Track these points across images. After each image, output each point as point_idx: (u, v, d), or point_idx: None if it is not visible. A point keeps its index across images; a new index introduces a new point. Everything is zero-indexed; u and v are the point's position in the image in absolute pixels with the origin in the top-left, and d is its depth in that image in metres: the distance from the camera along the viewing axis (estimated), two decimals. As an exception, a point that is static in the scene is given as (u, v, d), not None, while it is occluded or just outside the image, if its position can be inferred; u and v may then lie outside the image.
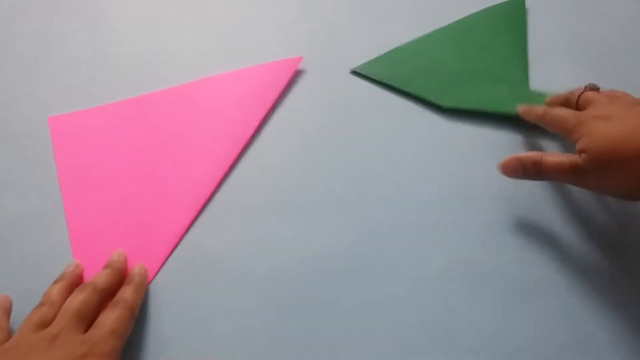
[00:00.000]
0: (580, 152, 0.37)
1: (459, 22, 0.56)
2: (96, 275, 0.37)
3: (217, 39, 0.55)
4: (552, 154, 0.39)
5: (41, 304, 0.35)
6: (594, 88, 0.42)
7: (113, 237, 0.41)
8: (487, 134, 0.47)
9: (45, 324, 0.34)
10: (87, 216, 0.42)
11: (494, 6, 0.57)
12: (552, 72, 0.51)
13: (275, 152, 0.46)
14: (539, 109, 0.44)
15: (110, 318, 0.34)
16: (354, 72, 0.52)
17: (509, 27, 0.55)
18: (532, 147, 0.46)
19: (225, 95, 0.49)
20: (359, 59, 0.52)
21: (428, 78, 0.51)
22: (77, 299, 0.35)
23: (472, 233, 0.41)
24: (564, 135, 0.40)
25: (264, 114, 0.48)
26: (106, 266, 0.39)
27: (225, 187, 0.44)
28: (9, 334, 0.35)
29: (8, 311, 0.37)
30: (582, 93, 0.41)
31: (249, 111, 0.48)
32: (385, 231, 0.42)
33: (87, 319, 0.34)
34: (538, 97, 0.49)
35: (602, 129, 0.36)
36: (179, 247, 0.41)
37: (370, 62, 0.52)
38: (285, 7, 0.58)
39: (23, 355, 0.32)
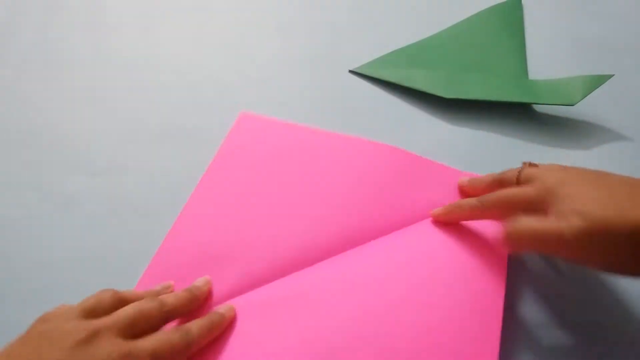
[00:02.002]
0: (570, 215, 0.30)
1: (457, 25, 0.56)
2: (169, 294, 0.34)
3: (217, 40, 0.55)
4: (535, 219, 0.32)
5: (104, 291, 0.33)
6: (533, 165, 0.36)
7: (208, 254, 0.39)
8: (486, 136, 0.47)
9: (95, 312, 0.31)
10: (200, 222, 0.40)
11: (490, 8, 0.57)
12: (550, 71, 0.52)
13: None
14: (469, 201, 0.36)
15: (158, 340, 0.31)
16: (354, 72, 0.52)
17: (506, 26, 0.55)
18: (531, 149, 0.46)
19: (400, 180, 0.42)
20: (359, 59, 0.53)
21: (428, 73, 0.51)
22: (136, 307, 0.32)
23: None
24: (524, 213, 0.33)
25: (416, 218, 0.41)
26: (185, 289, 0.35)
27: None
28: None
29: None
30: (522, 170, 0.35)
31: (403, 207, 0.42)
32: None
33: (136, 331, 0.31)
34: (536, 85, 0.49)
35: (586, 193, 0.30)
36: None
37: (369, 63, 0.53)
38: (285, 7, 0.58)
39: (58, 335, 0.30)
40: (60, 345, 0.29)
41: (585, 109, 0.48)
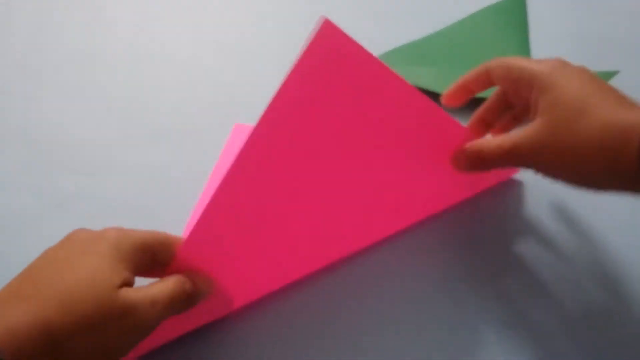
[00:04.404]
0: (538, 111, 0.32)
1: (460, 23, 0.56)
2: None
3: (216, 39, 0.54)
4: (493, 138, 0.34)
5: None
6: None
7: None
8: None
9: None
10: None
11: (494, 5, 0.57)
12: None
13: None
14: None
15: None
16: (355, 71, 0.51)
17: (509, 23, 0.55)
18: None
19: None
20: (360, 57, 0.52)
21: (431, 71, 0.50)
22: None
23: (475, 231, 0.41)
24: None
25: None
26: None
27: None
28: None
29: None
30: None
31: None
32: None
33: None
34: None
35: (574, 88, 0.31)
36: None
37: (370, 61, 0.52)
38: (285, 6, 0.58)
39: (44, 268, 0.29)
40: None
41: (591, 107, 0.48)
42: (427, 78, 0.49)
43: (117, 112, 0.48)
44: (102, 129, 0.47)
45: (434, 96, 0.49)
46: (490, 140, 0.34)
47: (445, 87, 0.48)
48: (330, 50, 0.33)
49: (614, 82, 0.46)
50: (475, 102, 0.48)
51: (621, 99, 0.31)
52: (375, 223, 0.39)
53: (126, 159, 0.45)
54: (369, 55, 0.34)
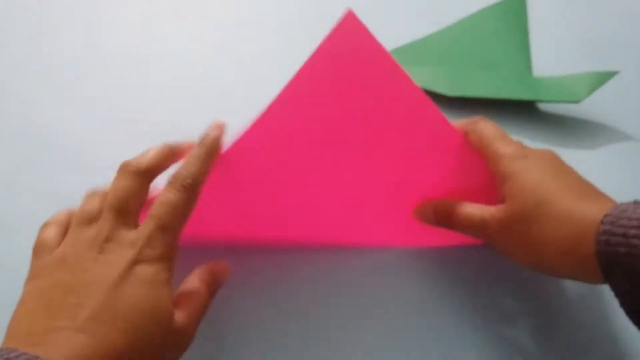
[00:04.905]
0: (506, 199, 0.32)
1: (460, 22, 0.55)
2: (141, 154, 0.31)
3: (215, 38, 0.54)
4: (469, 204, 0.35)
5: (92, 193, 0.31)
6: None
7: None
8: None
9: (93, 218, 0.29)
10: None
11: (494, 4, 0.57)
12: (555, 68, 0.51)
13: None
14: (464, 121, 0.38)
15: (155, 209, 0.28)
16: (355, 71, 0.51)
17: (510, 23, 0.55)
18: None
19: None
20: (360, 57, 0.52)
21: (431, 71, 0.50)
22: (114, 190, 0.29)
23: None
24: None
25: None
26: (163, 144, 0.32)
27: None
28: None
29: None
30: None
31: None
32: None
33: (132, 213, 0.29)
34: (541, 83, 0.49)
35: (538, 177, 0.31)
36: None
37: (370, 61, 0.52)
38: (284, 4, 0.58)
39: (74, 269, 0.27)
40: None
41: (591, 106, 0.48)
42: (427, 78, 0.49)
43: (117, 112, 0.48)
44: (102, 129, 0.46)
45: (434, 96, 0.49)
46: (463, 206, 0.35)
47: (445, 87, 0.49)
48: (349, 42, 0.35)
49: (614, 82, 0.47)
50: (479, 103, 0.48)
51: (582, 190, 0.31)
52: (373, 223, 0.39)
53: (126, 159, 0.44)
54: (386, 55, 0.35)
